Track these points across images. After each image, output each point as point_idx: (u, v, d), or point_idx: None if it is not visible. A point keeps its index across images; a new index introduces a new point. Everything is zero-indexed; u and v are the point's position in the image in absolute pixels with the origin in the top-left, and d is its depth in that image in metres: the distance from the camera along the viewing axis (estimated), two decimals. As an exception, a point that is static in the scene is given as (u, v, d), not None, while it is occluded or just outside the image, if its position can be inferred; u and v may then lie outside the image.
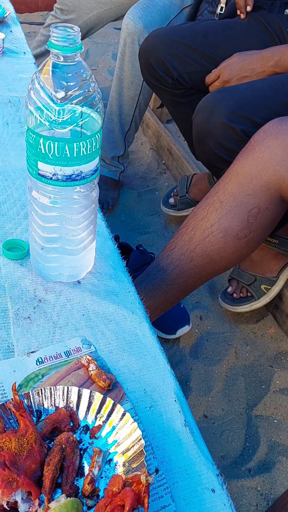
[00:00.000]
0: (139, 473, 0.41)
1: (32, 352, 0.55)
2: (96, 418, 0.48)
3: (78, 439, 0.47)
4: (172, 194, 1.59)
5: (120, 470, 0.45)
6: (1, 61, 1.24)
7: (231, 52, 1.16)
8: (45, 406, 0.49)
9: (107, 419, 0.48)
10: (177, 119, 1.41)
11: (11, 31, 1.40)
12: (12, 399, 0.46)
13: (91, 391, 0.49)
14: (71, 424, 0.48)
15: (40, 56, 1.88)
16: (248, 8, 1.21)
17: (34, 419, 0.48)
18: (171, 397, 0.52)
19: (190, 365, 1.20)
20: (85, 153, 0.52)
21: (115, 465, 0.45)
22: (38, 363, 0.53)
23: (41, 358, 0.54)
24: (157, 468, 0.47)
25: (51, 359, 0.54)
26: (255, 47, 1.16)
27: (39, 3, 3.10)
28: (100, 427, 0.48)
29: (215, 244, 0.86)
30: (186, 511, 0.44)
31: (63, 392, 0.49)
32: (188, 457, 0.48)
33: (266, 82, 1.03)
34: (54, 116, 0.50)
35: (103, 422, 0.48)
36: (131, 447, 0.46)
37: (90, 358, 0.53)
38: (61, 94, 0.50)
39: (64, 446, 0.45)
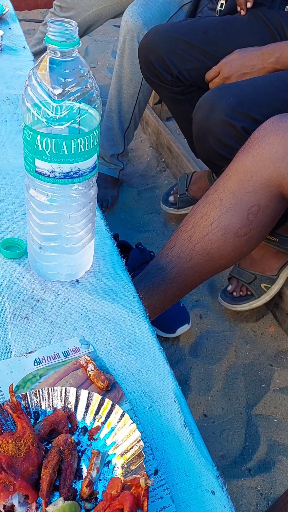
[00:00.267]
0: (138, 476, 0.41)
1: (30, 352, 0.54)
2: (94, 419, 0.48)
3: (76, 440, 0.47)
4: (171, 192, 1.58)
5: (119, 472, 0.44)
6: (0, 58, 1.24)
7: (231, 49, 1.15)
8: (43, 407, 0.48)
9: (106, 420, 0.47)
10: (177, 117, 1.40)
11: (9, 28, 1.39)
12: (9, 400, 0.45)
13: (89, 392, 0.48)
14: (69, 426, 0.47)
15: (39, 54, 1.87)
16: (249, 5, 1.20)
17: (32, 420, 0.47)
18: (171, 397, 0.52)
19: (189, 364, 1.19)
20: (83, 150, 0.51)
21: (114, 467, 0.45)
22: (35, 364, 0.53)
23: (39, 358, 0.53)
24: (157, 469, 0.46)
25: (49, 359, 0.53)
26: (256, 43, 1.15)
27: (38, 0, 3.09)
28: (98, 429, 0.47)
29: (215, 242, 0.85)
30: (186, 514, 0.44)
31: (61, 393, 0.48)
32: (188, 459, 0.47)
33: (266, 79, 1.02)
34: (52, 112, 0.49)
35: (101, 423, 0.47)
36: (130, 449, 0.45)
37: (89, 358, 0.53)
38: (58, 90, 0.49)
39: (62, 448, 0.44)
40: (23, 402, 0.48)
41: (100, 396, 0.48)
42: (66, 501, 0.41)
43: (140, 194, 1.75)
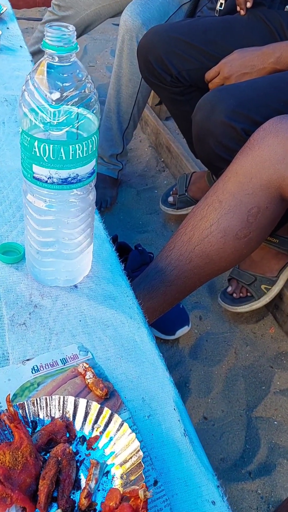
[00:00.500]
0: (137, 487, 0.40)
1: (28, 359, 0.53)
2: (93, 428, 0.47)
3: (75, 450, 0.46)
4: (171, 192, 1.57)
5: (117, 482, 0.44)
6: (-3, 58, 1.23)
7: (230, 49, 1.14)
8: (41, 416, 0.47)
9: (105, 429, 0.47)
10: (176, 117, 1.40)
11: (8, 27, 1.38)
12: (6, 410, 0.45)
13: (87, 401, 0.48)
14: (68, 435, 0.46)
15: (38, 53, 1.86)
16: (248, 4, 1.19)
17: (29, 430, 0.47)
18: (170, 405, 0.51)
19: (189, 366, 1.18)
20: (81, 155, 0.51)
21: (113, 477, 0.44)
22: (33, 371, 0.52)
23: (36, 366, 0.53)
24: (156, 480, 0.46)
25: (47, 367, 0.53)
26: (255, 43, 1.14)
27: (37, -2, 3.07)
28: (97, 438, 0.47)
29: (214, 244, 0.85)
30: (186, 525, 0.43)
31: (59, 402, 0.48)
32: (188, 468, 0.47)
33: (266, 80, 1.01)
34: (49, 118, 0.49)
35: (100, 432, 0.47)
36: (129, 459, 0.44)
37: (87, 366, 0.52)
38: (56, 95, 0.48)
39: (60, 458, 0.44)
40: (20, 411, 0.47)
41: (99, 405, 0.47)
42: (64, 513, 0.40)
43: (139, 194, 1.74)
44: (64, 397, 0.48)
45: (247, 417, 1.10)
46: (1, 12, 1.39)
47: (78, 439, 0.47)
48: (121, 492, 0.41)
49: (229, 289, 1.27)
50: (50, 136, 0.50)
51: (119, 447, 0.45)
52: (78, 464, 0.45)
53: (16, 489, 0.40)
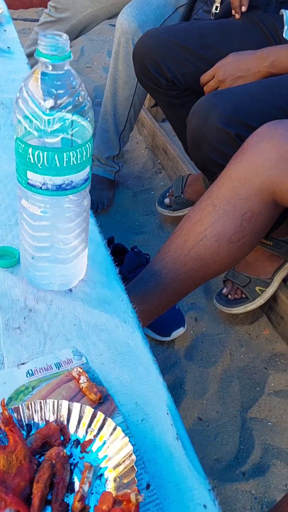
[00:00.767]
0: (129, 491, 0.41)
1: (23, 363, 0.54)
2: (87, 432, 0.48)
3: (69, 453, 0.47)
4: (167, 194, 1.58)
5: (110, 485, 0.44)
6: (-7, 61, 1.23)
7: (226, 52, 1.15)
8: (35, 420, 0.48)
9: (98, 433, 0.47)
10: (172, 120, 1.40)
11: (4, 30, 1.39)
12: (1, 413, 0.46)
13: (81, 405, 0.48)
14: (62, 439, 0.47)
15: (34, 55, 1.86)
16: (243, 9, 1.20)
17: (24, 433, 0.47)
18: (163, 410, 0.52)
19: (184, 368, 1.19)
20: (75, 162, 0.51)
21: (106, 480, 0.45)
22: (28, 375, 0.53)
23: (31, 370, 0.53)
24: (148, 484, 0.46)
25: (41, 371, 0.53)
26: (250, 47, 1.15)
27: (34, -1, 3.07)
28: (91, 441, 0.47)
29: (208, 248, 0.85)
30: (177, 527, 0.44)
31: (53, 406, 0.48)
32: (180, 472, 0.47)
33: (261, 85, 1.02)
34: (43, 125, 0.49)
35: (94, 436, 0.47)
36: (122, 462, 0.45)
37: (81, 370, 0.53)
38: (50, 103, 0.49)
39: (54, 461, 0.44)
40: (15, 415, 0.48)
41: (93, 410, 0.48)
42: (57, 516, 0.41)
43: (135, 195, 1.75)
44: (58, 401, 0.48)
45: (241, 418, 1.11)
46: (-2, 14, 1.39)
47: (72, 443, 0.47)
48: (114, 495, 0.42)
49: (224, 290, 1.28)
50: (44, 143, 0.50)
51: (113, 450, 0.46)
52: (72, 467, 0.46)
53: (10, 493, 0.40)
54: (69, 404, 0.48)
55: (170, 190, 1.57)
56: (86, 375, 0.52)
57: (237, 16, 1.22)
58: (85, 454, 0.47)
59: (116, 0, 1.64)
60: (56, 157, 0.50)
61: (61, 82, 0.49)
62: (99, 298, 0.64)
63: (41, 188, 0.52)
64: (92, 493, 0.44)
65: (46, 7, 1.82)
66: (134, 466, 0.44)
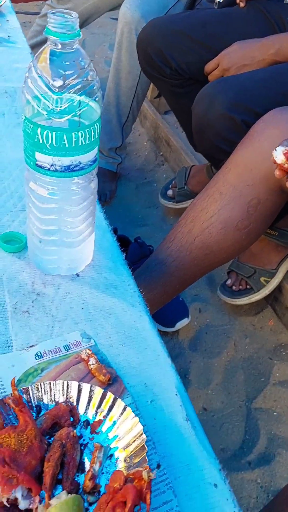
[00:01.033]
0: (141, 469, 0.41)
1: (31, 346, 0.54)
2: (96, 413, 0.47)
3: (79, 434, 0.46)
4: (170, 186, 1.57)
5: (121, 465, 0.44)
6: (-3, 51, 1.22)
7: (230, 41, 1.14)
8: (45, 401, 0.48)
9: (108, 414, 0.47)
10: (176, 110, 1.40)
11: (7, 20, 1.38)
12: (11, 394, 0.45)
13: (91, 386, 0.48)
14: (71, 419, 0.47)
15: (36, 46, 1.85)
16: (248, -4, 1.19)
17: (34, 414, 0.47)
18: (172, 391, 0.52)
19: (189, 358, 1.19)
20: (83, 143, 0.51)
21: (116, 460, 0.45)
22: (37, 358, 0.53)
23: (40, 352, 0.53)
24: (159, 463, 0.46)
25: (50, 353, 0.53)
26: (255, 36, 1.14)
27: (35, -8, 3.06)
28: (100, 422, 0.47)
29: (214, 235, 0.85)
30: (189, 507, 0.44)
31: (62, 387, 0.48)
32: (190, 452, 0.47)
33: (266, 71, 1.01)
34: (52, 105, 0.49)
35: (103, 417, 0.47)
36: (132, 442, 0.45)
37: (90, 352, 0.53)
38: (59, 83, 0.49)
39: (64, 441, 0.44)
40: (25, 396, 0.47)
41: (102, 390, 0.48)
42: (69, 494, 0.41)
43: (138, 188, 1.75)
44: (67, 382, 0.48)
45: (246, 408, 1.11)
46: (0, 4, 1.38)
47: (82, 423, 0.47)
48: (125, 474, 0.42)
49: (229, 281, 1.28)
50: (52, 123, 0.50)
51: (123, 430, 0.46)
52: (82, 447, 0.46)
53: (22, 471, 0.40)
54: (78, 385, 0.48)
55: (173, 182, 1.57)
56: (95, 357, 0.52)
57: (241, 4, 1.21)
58: (95, 435, 0.47)
59: (118, -9, 1.63)
60: (64, 137, 0.50)
61: (70, 62, 0.49)
62: (106, 283, 0.63)
63: (49, 169, 0.52)
64: (103, 473, 0.44)
65: (47, 0, 1.81)
66: (145, 445, 0.44)
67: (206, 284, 1.38)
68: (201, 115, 1.00)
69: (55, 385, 0.48)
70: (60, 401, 0.48)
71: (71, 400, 0.48)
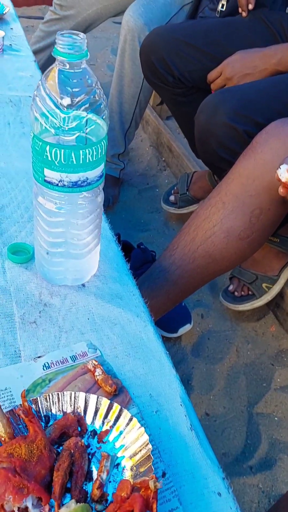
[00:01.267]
0: (147, 478, 0.42)
1: (39, 357, 0.55)
2: (103, 423, 0.49)
3: (86, 443, 0.48)
4: (172, 191, 1.59)
5: (128, 474, 0.46)
6: (1, 59, 1.24)
7: (232, 50, 1.16)
8: (53, 411, 0.49)
9: (114, 424, 0.48)
10: (178, 118, 1.41)
11: (11, 28, 1.40)
12: (21, 405, 0.47)
13: (98, 397, 0.50)
14: (79, 429, 0.48)
15: (39, 52, 1.87)
16: (250, 6, 1.20)
17: (43, 424, 0.48)
18: (177, 401, 0.53)
19: (191, 364, 1.20)
20: (91, 160, 0.52)
21: (123, 469, 0.46)
22: (45, 368, 0.54)
23: (47, 363, 0.54)
24: (164, 472, 0.47)
25: (57, 364, 0.55)
26: (257, 45, 1.16)
27: (37, -3, 3.08)
28: (107, 432, 0.48)
29: (217, 244, 0.86)
30: (193, 515, 0.45)
31: (70, 398, 0.50)
32: (194, 461, 0.49)
33: (269, 82, 1.03)
34: (60, 123, 0.50)
35: (110, 427, 0.48)
36: (139, 452, 0.46)
37: (96, 363, 0.54)
38: (67, 101, 0.50)
39: (72, 451, 0.46)
40: (34, 406, 0.49)
41: (109, 401, 0.49)
42: (78, 503, 0.42)
43: (140, 193, 1.76)
44: (75, 393, 0.50)
45: (248, 413, 1.12)
46: (4, 12, 1.40)
47: (89, 433, 0.48)
48: (132, 483, 0.43)
49: (231, 287, 1.29)
50: (60, 140, 0.51)
51: (129, 440, 0.47)
52: (90, 457, 0.47)
53: (32, 480, 0.41)
54: (86, 396, 0.50)
55: (175, 188, 1.58)
56: (101, 367, 0.54)
57: (244, 14, 1.22)
58: (102, 444, 0.48)
59: (122, -2, 1.64)
60: (73, 154, 0.51)
61: (78, 80, 0.50)
62: (111, 293, 0.65)
63: (57, 185, 0.53)
64: (110, 482, 0.45)
65: (50, 5, 1.83)
66: (151, 455, 0.45)
67: (209, 290, 1.39)
68: (204, 124, 1.01)
69: (63, 396, 0.50)
70: (68, 412, 0.49)
71: (78, 410, 0.49)
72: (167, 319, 1.22)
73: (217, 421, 1.10)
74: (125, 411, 0.49)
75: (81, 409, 0.49)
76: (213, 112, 0.99)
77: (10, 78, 1.17)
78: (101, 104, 0.51)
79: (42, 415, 0.49)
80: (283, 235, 1.20)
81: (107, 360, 0.56)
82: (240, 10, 1.24)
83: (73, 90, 0.50)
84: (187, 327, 1.24)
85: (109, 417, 0.49)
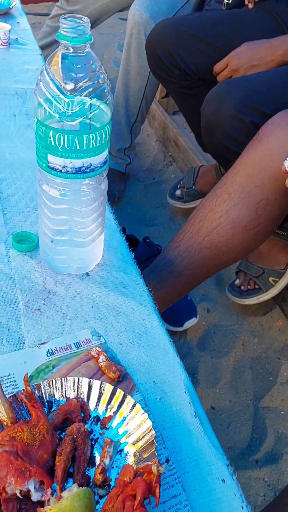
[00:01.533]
0: (150, 463, 0.42)
1: (43, 343, 0.55)
2: (106, 409, 0.49)
3: (89, 429, 0.48)
4: (178, 186, 1.58)
5: (131, 460, 0.45)
6: (7, 52, 1.24)
7: (239, 42, 1.15)
8: (56, 397, 0.49)
9: (118, 410, 0.48)
10: (184, 111, 1.40)
11: (18, 22, 1.40)
12: (23, 390, 0.47)
13: (101, 383, 0.49)
14: (82, 415, 0.48)
15: (46, 48, 1.87)
16: (256, -2, 1.19)
17: (45, 410, 0.48)
18: (181, 388, 0.53)
19: (197, 358, 1.20)
20: (94, 145, 0.52)
21: (126, 455, 0.46)
22: (48, 354, 0.54)
23: (51, 349, 0.54)
24: (168, 458, 0.47)
25: (61, 350, 0.54)
26: (264, 37, 1.15)
27: (44, -7, 3.08)
28: (110, 418, 0.48)
29: (223, 235, 0.86)
30: (197, 501, 0.44)
31: (73, 383, 0.49)
32: (198, 448, 0.48)
33: (275, 72, 1.02)
34: (64, 108, 0.50)
35: (113, 413, 0.48)
36: (142, 438, 0.46)
37: (100, 350, 0.54)
38: (70, 86, 0.50)
39: (75, 436, 0.45)
40: (36, 391, 0.49)
41: (112, 387, 0.49)
42: (80, 487, 0.42)
43: (146, 188, 1.76)
44: (78, 379, 0.49)
45: (254, 407, 1.11)
46: (11, 7, 1.40)
47: (92, 419, 0.48)
48: (135, 468, 0.43)
49: (237, 281, 1.28)
50: (64, 126, 0.51)
51: (132, 426, 0.47)
52: (93, 442, 0.47)
53: (34, 464, 0.41)
54: (89, 382, 0.49)
55: (181, 182, 1.58)
56: (105, 354, 0.53)
57: (250, 5, 1.21)
58: (105, 430, 0.48)
59: (128, -8, 1.63)
60: (76, 139, 0.51)
61: (81, 65, 0.50)
62: (115, 282, 0.65)
63: (61, 171, 0.53)
64: (113, 467, 0.45)
65: (56, 1, 1.83)
66: (154, 441, 0.45)
67: (215, 284, 1.39)
68: (210, 115, 1.00)
69: (66, 381, 0.49)
70: (71, 397, 0.49)
71: (81, 396, 0.49)
72: (173, 313, 1.22)
73: (223, 415, 1.09)
74: (128, 397, 0.48)
75: (84, 395, 0.49)
76: (220, 103, 0.98)
77: (16, 71, 1.17)
78: (105, 88, 0.51)
79: (45, 400, 0.49)
80: (290, 228, 1.19)
81: (111, 347, 0.56)
82: (246, 1, 1.23)
83: (77, 74, 0.50)
84: (193, 320, 1.23)
85: (112, 402, 0.49)
